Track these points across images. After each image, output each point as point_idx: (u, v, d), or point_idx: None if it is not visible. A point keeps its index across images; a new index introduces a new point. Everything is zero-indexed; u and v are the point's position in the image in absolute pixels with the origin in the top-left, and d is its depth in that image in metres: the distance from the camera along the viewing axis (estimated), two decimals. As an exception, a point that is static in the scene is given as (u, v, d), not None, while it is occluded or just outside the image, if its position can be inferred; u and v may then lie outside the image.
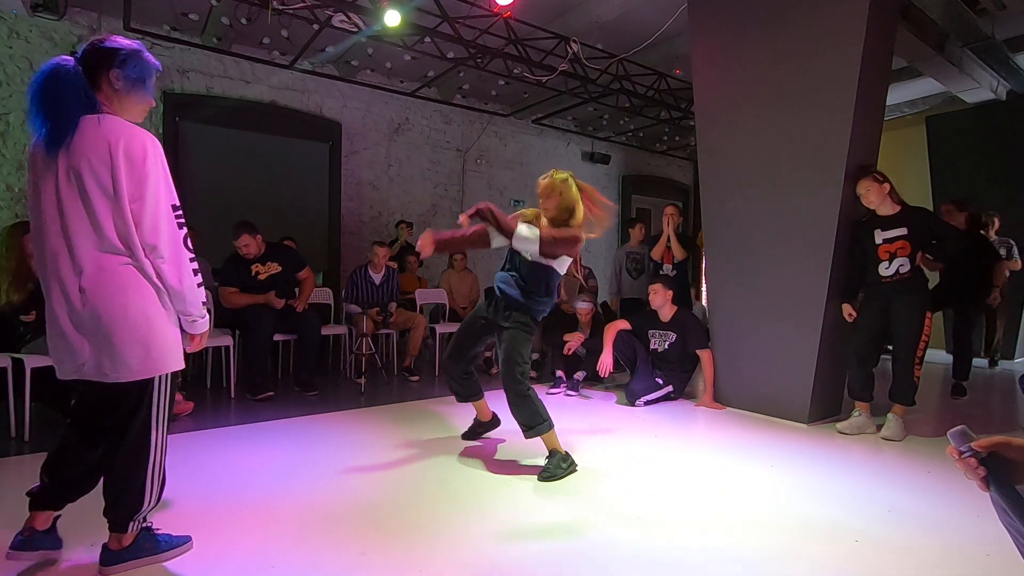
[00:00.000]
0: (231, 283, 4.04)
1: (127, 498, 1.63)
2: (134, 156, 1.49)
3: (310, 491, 2.31)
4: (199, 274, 1.62)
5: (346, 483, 2.41)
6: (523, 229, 2.53)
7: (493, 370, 4.97)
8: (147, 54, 1.63)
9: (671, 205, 4.98)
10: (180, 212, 1.58)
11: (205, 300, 1.66)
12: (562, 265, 2.65)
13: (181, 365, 1.65)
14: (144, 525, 1.70)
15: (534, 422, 2.58)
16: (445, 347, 5.06)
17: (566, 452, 2.62)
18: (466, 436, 3.08)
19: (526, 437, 2.60)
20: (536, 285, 2.63)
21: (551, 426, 2.60)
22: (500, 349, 2.68)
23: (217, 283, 4.13)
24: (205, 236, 5.19)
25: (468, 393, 2.92)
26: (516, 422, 2.62)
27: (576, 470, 2.59)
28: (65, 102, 1.46)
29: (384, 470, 2.60)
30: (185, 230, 1.60)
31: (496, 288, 2.72)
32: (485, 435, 3.09)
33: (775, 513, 2.20)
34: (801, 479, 2.59)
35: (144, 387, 1.59)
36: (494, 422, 3.08)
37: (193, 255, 1.60)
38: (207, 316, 1.69)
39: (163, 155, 1.56)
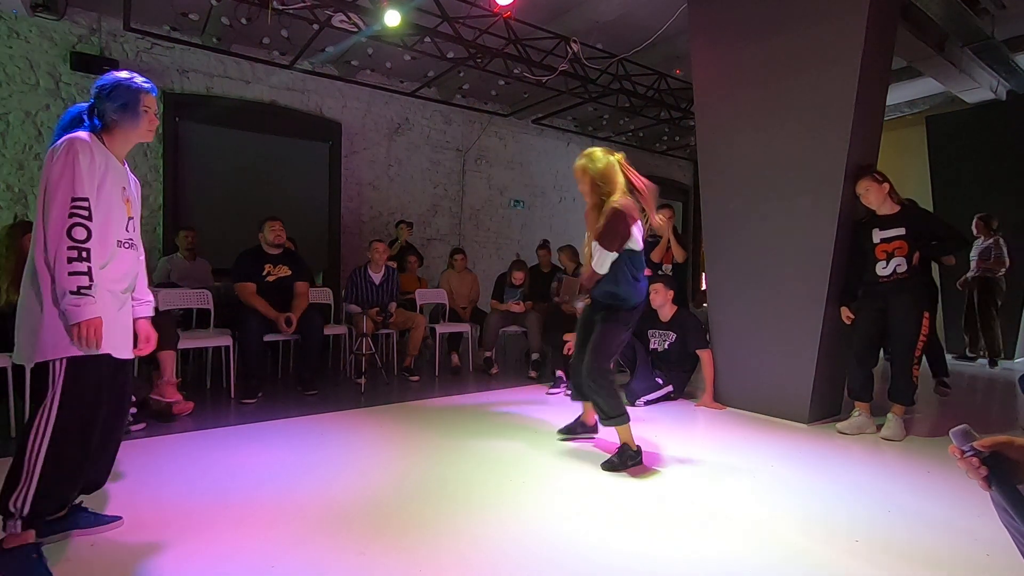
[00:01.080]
0: (249, 279, 4.02)
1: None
2: (50, 155, 1.64)
3: (310, 491, 2.31)
4: (81, 263, 1.60)
5: (346, 483, 2.41)
6: (593, 257, 2.62)
7: (493, 370, 4.97)
8: (133, 80, 1.81)
9: (667, 208, 4.97)
10: (80, 204, 1.61)
11: (85, 286, 1.60)
12: (634, 244, 2.65)
13: (71, 352, 1.62)
14: (32, 543, 1.61)
15: (616, 412, 2.64)
16: (445, 347, 5.13)
17: (637, 447, 2.69)
18: (564, 432, 3.11)
19: (603, 425, 2.72)
20: (619, 274, 2.65)
21: (628, 419, 2.67)
22: (591, 339, 2.73)
23: (232, 279, 4.12)
24: (205, 236, 5.21)
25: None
26: (595, 409, 2.70)
27: (640, 462, 2.67)
28: (55, 138, 1.71)
29: (384, 470, 2.60)
30: (75, 219, 1.60)
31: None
32: (577, 437, 3.11)
33: (775, 513, 2.20)
34: (801, 479, 2.59)
35: (43, 372, 1.63)
36: (595, 428, 3.11)
37: (78, 245, 1.59)
38: (82, 305, 1.59)
39: (79, 151, 1.64)
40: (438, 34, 4.90)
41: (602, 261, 2.59)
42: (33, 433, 1.59)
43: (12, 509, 1.57)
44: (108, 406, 1.75)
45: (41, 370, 1.63)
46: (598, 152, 2.67)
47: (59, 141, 1.66)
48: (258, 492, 2.29)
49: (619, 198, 2.58)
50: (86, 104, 1.79)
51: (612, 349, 2.70)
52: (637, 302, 2.73)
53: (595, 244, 2.58)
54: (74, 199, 1.60)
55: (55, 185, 1.60)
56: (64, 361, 1.62)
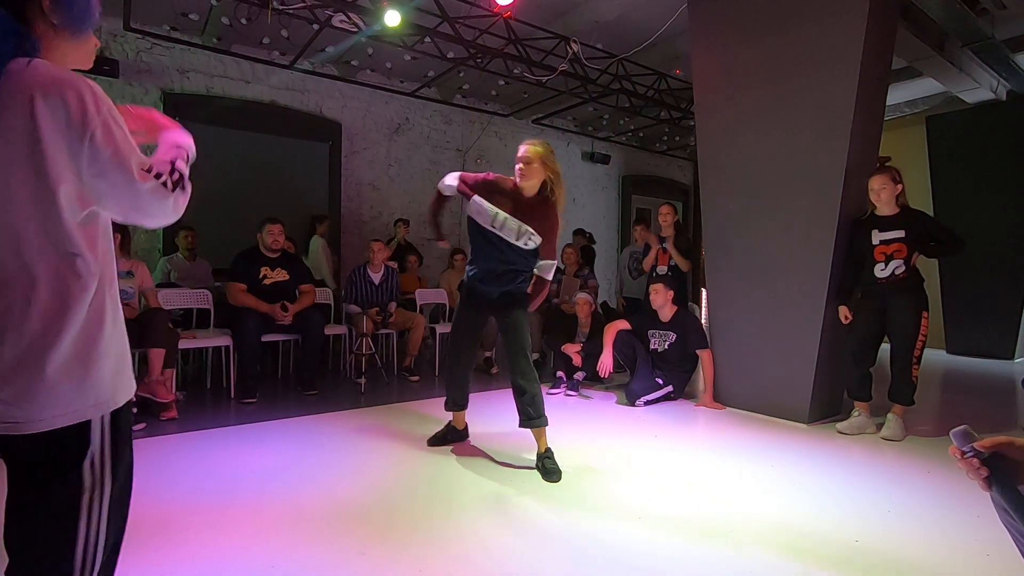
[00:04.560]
0: (240, 279, 4.00)
1: None
2: (80, 97, 0.99)
3: (310, 491, 2.31)
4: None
5: (346, 483, 2.41)
6: (547, 266, 2.65)
7: (493, 370, 4.97)
8: None
9: (667, 204, 4.97)
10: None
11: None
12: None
13: (118, 400, 1.05)
14: None
15: (539, 413, 2.60)
16: (445, 347, 5.12)
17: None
18: (435, 442, 2.97)
19: (525, 426, 2.61)
20: (522, 263, 2.64)
21: (547, 423, 2.63)
22: (507, 336, 2.65)
23: (226, 279, 4.11)
24: (205, 236, 5.21)
25: (464, 400, 2.95)
26: (518, 410, 2.62)
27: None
28: None
29: (384, 470, 2.60)
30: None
31: (479, 278, 2.68)
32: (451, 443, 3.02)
33: (775, 513, 2.20)
34: (801, 479, 2.59)
35: (73, 435, 1.02)
36: (466, 432, 3.06)
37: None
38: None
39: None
40: (438, 34, 4.89)
41: (552, 269, 2.67)
42: (84, 525, 0.99)
43: None
44: None
45: (70, 433, 0.97)
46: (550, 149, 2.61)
47: (74, 79, 0.99)
48: (258, 492, 2.29)
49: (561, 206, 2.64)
50: None
51: (530, 340, 2.72)
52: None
53: (547, 252, 2.62)
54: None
55: (114, 148, 0.97)
56: (109, 415, 1.02)
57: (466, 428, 3.05)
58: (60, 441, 0.96)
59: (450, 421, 3.02)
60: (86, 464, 0.99)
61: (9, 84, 0.96)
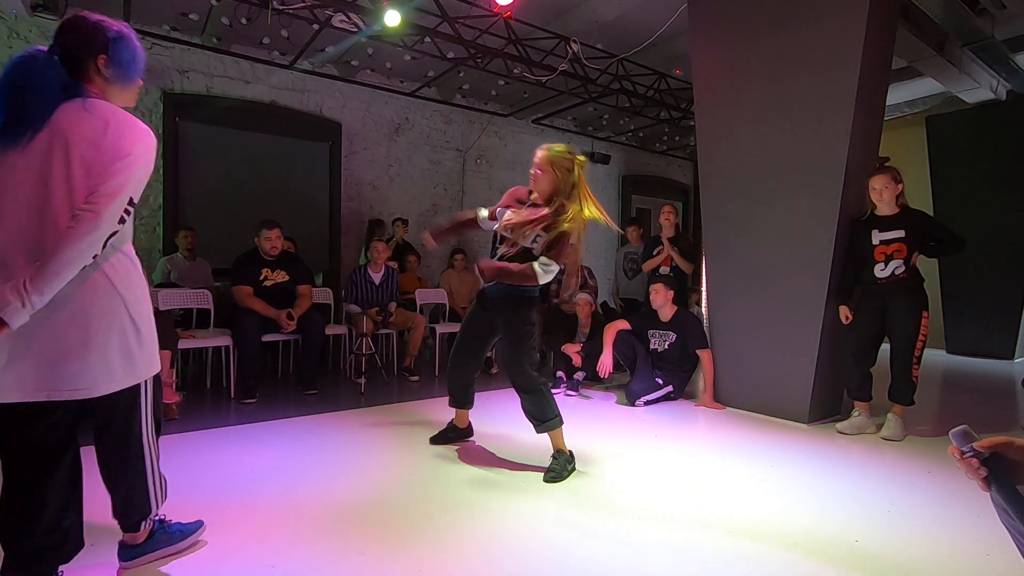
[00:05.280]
0: (244, 282, 4.00)
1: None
2: (122, 134, 1.38)
3: (310, 491, 2.31)
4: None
5: (346, 483, 2.41)
6: (538, 269, 2.42)
7: (493, 370, 4.97)
8: (133, 34, 1.53)
9: (668, 205, 4.97)
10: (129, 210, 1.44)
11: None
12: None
13: (157, 366, 1.62)
14: (156, 518, 1.73)
15: (548, 416, 2.57)
16: (445, 347, 5.12)
17: (570, 452, 2.61)
18: (437, 440, 2.97)
19: (537, 432, 2.59)
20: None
21: (561, 422, 2.59)
22: (506, 342, 2.63)
23: (230, 282, 4.11)
24: (205, 236, 5.21)
25: (465, 399, 2.90)
26: (526, 416, 2.60)
27: (575, 470, 2.59)
28: (33, 95, 1.32)
29: (384, 470, 2.60)
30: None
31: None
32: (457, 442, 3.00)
33: (775, 513, 2.20)
34: (801, 479, 2.59)
35: (126, 394, 1.58)
36: (469, 431, 3.04)
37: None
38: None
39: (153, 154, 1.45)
40: (438, 34, 4.89)
41: (551, 273, 2.47)
42: (148, 457, 1.60)
43: (155, 517, 1.70)
44: None
45: (125, 392, 1.49)
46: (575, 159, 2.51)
47: (141, 131, 1.40)
48: (258, 492, 2.29)
49: (585, 217, 2.45)
50: (42, 52, 1.37)
51: (534, 347, 2.66)
52: (537, 295, 2.68)
53: (554, 260, 2.43)
54: (131, 202, 1.39)
55: (124, 177, 1.34)
56: (151, 376, 1.57)
57: (470, 427, 3.03)
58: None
59: (452, 419, 3.00)
60: None
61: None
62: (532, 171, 2.51)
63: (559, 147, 2.51)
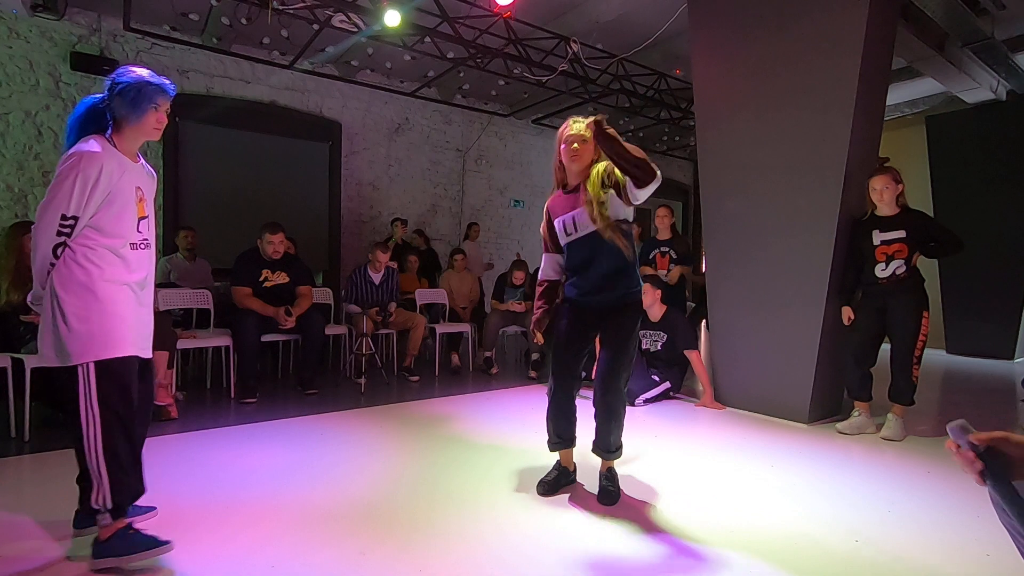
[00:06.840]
0: (243, 283, 4.00)
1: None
2: (61, 162, 1.67)
3: (310, 491, 2.31)
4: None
5: (346, 483, 2.41)
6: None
7: (493, 370, 4.96)
8: (142, 77, 1.75)
9: (663, 206, 4.97)
10: (67, 224, 1.67)
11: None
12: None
13: (100, 355, 1.68)
14: (125, 524, 1.72)
15: (620, 444, 2.37)
16: (445, 347, 5.13)
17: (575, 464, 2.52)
18: (545, 490, 2.37)
19: (605, 458, 2.37)
20: (620, 260, 2.28)
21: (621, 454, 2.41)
22: (608, 350, 2.40)
23: (230, 282, 4.11)
24: (205, 236, 5.21)
25: (571, 435, 2.47)
26: (599, 441, 2.36)
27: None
28: (68, 133, 1.77)
29: (384, 470, 2.60)
30: (61, 238, 1.68)
31: (584, 292, 2.35)
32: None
33: (775, 513, 2.20)
34: (801, 479, 2.59)
35: (73, 377, 1.70)
36: (575, 474, 2.53)
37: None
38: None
39: (84, 168, 1.64)
40: (438, 34, 4.90)
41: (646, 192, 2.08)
42: (85, 436, 1.67)
43: (97, 506, 1.70)
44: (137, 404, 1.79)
45: (71, 374, 1.68)
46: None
47: (71, 152, 1.67)
48: (258, 492, 2.28)
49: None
50: (99, 96, 1.78)
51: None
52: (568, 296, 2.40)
53: (636, 192, 2.08)
54: (64, 217, 1.64)
55: (49, 196, 1.64)
56: (93, 364, 1.67)
57: (575, 469, 2.52)
58: None
59: (558, 461, 2.48)
60: None
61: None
62: (573, 145, 2.20)
63: (582, 118, 2.24)
